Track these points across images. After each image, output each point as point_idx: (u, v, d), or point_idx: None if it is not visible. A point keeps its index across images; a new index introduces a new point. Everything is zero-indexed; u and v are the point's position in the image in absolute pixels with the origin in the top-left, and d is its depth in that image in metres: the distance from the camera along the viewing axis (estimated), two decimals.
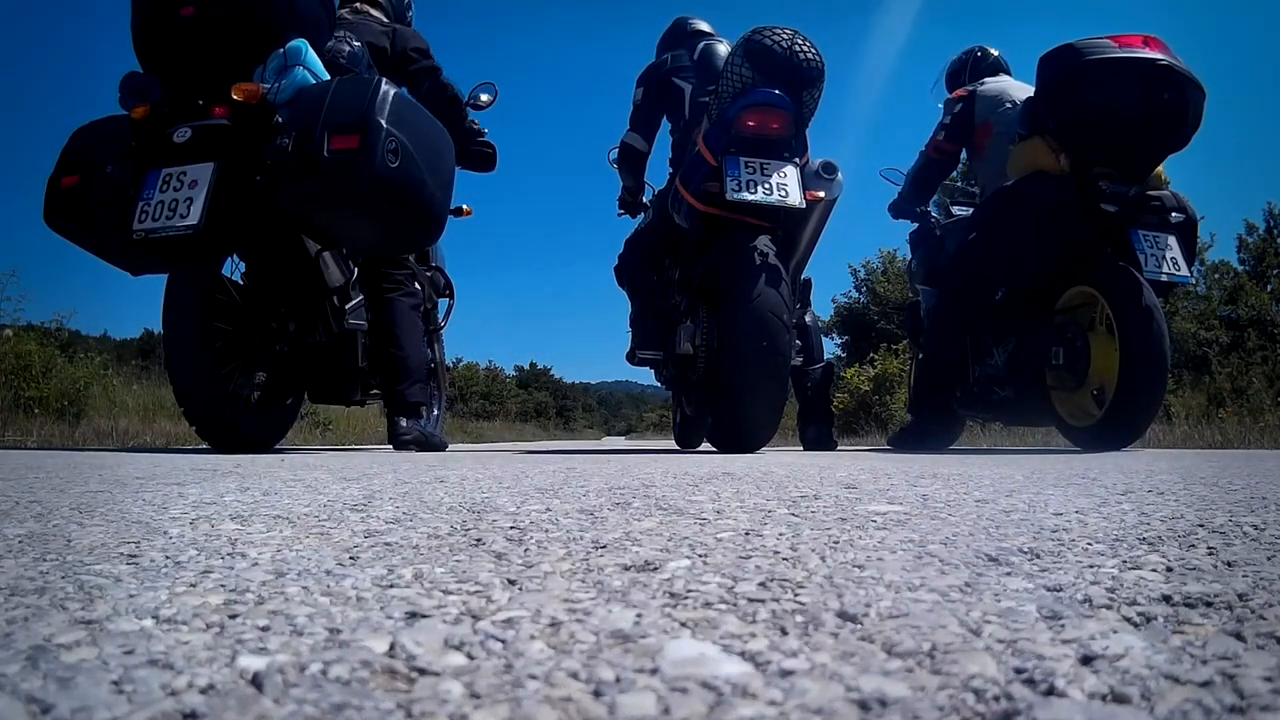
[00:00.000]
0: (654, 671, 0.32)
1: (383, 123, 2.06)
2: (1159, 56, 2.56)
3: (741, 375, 2.55)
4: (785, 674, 0.31)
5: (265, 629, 0.38)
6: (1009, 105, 3.26)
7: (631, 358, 3.40)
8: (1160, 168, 2.84)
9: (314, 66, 2.22)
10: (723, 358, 2.64)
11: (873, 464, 1.94)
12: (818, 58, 2.64)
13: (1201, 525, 0.73)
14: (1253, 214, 12.30)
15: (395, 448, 2.67)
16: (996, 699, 0.29)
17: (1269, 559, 0.55)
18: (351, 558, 0.58)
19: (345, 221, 2.23)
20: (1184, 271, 2.70)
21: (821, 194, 2.73)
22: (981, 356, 3.27)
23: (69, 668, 0.32)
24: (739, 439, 2.69)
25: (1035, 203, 2.77)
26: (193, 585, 0.48)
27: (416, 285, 2.80)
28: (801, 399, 3.75)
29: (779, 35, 2.63)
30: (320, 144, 2.03)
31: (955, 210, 3.87)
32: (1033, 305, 2.98)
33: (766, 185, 2.55)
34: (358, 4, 2.81)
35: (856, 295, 14.12)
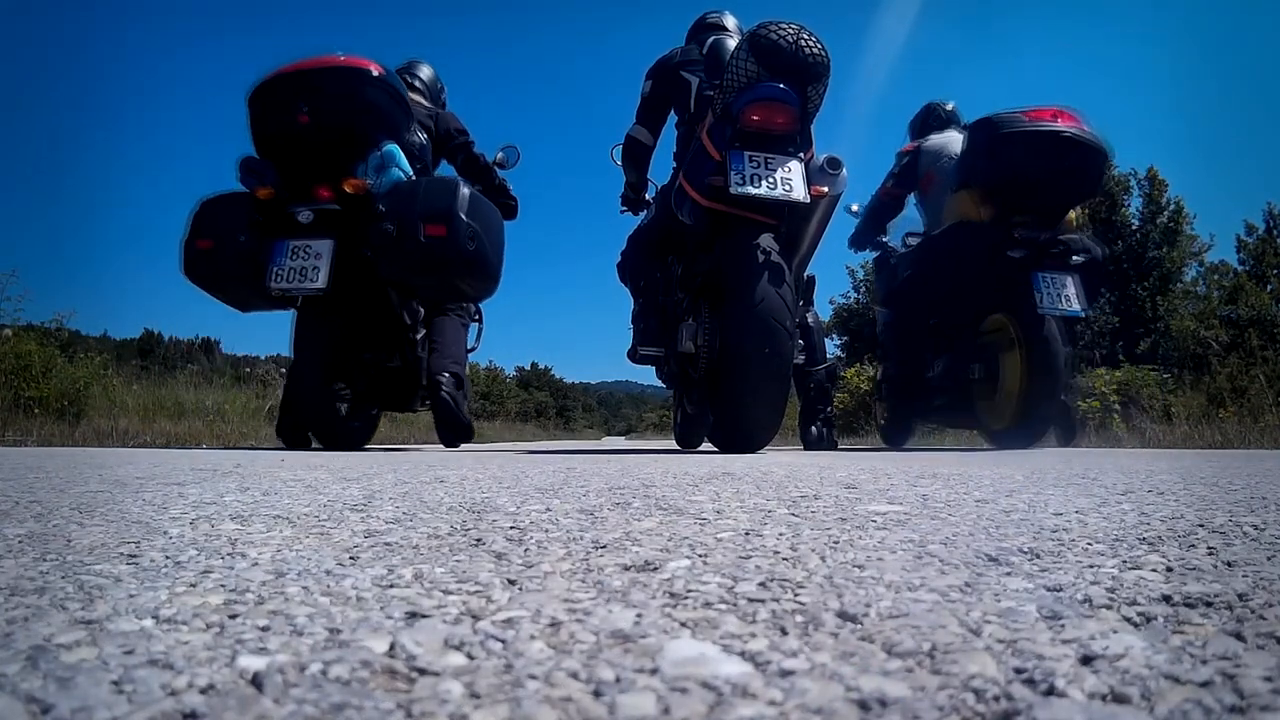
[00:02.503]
0: (654, 671, 0.32)
1: (463, 216, 2.67)
2: (1064, 128, 3.03)
3: (743, 376, 2.55)
4: (785, 674, 0.31)
5: (265, 629, 0.38)
6: (948, 159, 3.76)
7: (633, 355, 3.34)
8: (1072, 213, 3.35)
9: (404, 166, 2.82)
10: (725, 358, 2.65)
11: (873, 464, 1.94)
12: (823, 53, 2.63)
13: (1201, 525, 0.73)
14: (1253, 214, 12.31)
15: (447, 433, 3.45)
16: (996, 699, 0.29)
17: (1269, 559, 0.55)
18: (351, 558, 0.58)
19: (431, 285, 2.90)
20: (1076, 307, 3.08)
21: (826, 189, 2.71)
22: (922, 370, 3.77)
23: (69, 668, 0.32)
24: (740, 439, 2.69)
25: (957, 250, 3.32)
26: (193, 585, 0.48)
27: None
28: (804, 399, 3.76)
29: (785, 30, 2.61)
30: (417, 230, 2.61)
31: (910, 241, 4.17)
32: (960, 329, 3.51)
33: (771, 180, 2.54)
34: (410, 94, 3.36)
35: (855, 296, 14.11)
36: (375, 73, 2.80)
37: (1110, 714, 0.27)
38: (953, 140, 3.83)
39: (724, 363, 2.65)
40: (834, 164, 2.72)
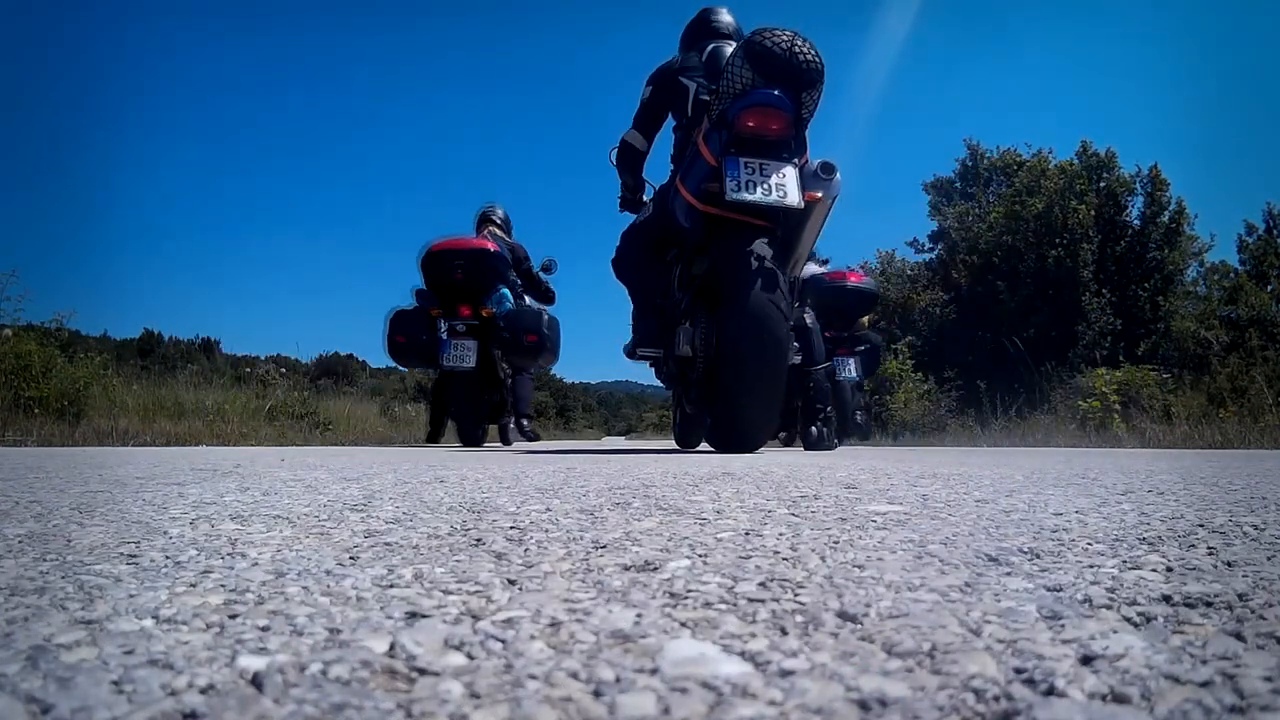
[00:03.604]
0: (654, 671, 0.32)
1: (545, 330, 4.63)
2: (848, 283, 5.10)
3: (739, 378, 2.61)
4: (785, 674, 0.31)
5: (265, 629, 0.38)
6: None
7: (631, 353, 3.40)
8: (865, 319, 5.45)
9: (510, 300, 4.85)
10: (721, 360, 2.70)
11: (873, 464, 1.94)
12: (817, 59, 2.65)
13: (1201, 525, 0.73)
14: (1253, 214, 12.31)
15: (520, 436, 5.42)
16: (996, 699, 0.29)
17: (1269, 559, 0.55)
18: (351, 558, 0.58)
19: (527, 364, 5.04)
20: (854, 375, 5.16)
21: (820, 194, 2.74)
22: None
23: (69, 668, 0.32)
24: (736, 439, 2.74)
25: None
26: (193, 585, 0.48)
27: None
28: (803, 399, 3.77)
29: (779, 37, 2.63)
30: (522, 338, 4.57)
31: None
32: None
33: (765, 185, 2.59)
34: (491, 228, 5.49)
35: None
36: (493, 249, 4.86)
37: (1110, 714, 0.27)
38: (811, 272, 5.55)
39: (720, 365, 2.71)
40: (828, 169, 2.75)
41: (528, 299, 5.42)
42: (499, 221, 5.53)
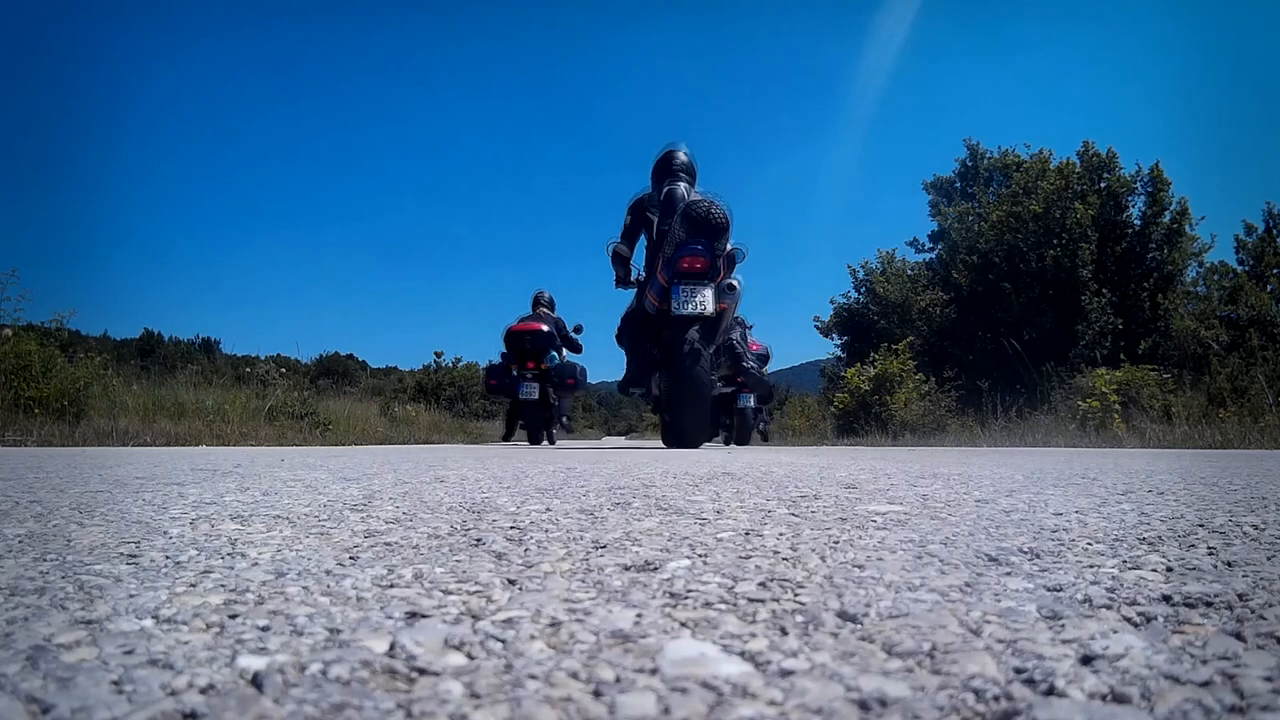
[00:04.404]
0: (654, 671, 0.32)
1: (578, 376, 7.50)
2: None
3: (682, 409, 4.55)
4: (785, 674, 0.31)
5: (265, 629, 0.38)
6: None
7: (625, 390, 5.36)
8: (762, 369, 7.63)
9: (558, 358, 7.50)
10: (673, 398, 4.60)
11: (873, 464, 1.95)
12: (724, 217, 4.53)
13: (1201, 525, 0.73)
14: (1252, 214, 12.30)
15: (563, 432, 8.47)
16: (996, 699, 0.29)
17: (1269, 559, 0.55)
18: (351, 558, 0.58)
19: (567, 395, 7.93)
20: (751, 404, 7.62)
21: (725, 304, 4.60)
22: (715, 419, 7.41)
23: (69, 668, 0.32)
24: (689, 441, 4.59)
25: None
26: (193, 585, 0.48)
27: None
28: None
29: (700, 207, 4.53)
30: (564, 381, 7.45)
31: None
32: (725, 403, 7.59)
33: (694, 302, 4.43)
34: (540, 309, 7.81)
35: (856, 295, 14.06)
36: (546, 330, 7.23)
37: (1110, 714, 0.27)
38: (736, 336, 7.14)
39: (672, 401, 4.64)
40: (730, 288, 4.57)
41: (566, 352, 7.90)
42: (545, 303, 8.21)
